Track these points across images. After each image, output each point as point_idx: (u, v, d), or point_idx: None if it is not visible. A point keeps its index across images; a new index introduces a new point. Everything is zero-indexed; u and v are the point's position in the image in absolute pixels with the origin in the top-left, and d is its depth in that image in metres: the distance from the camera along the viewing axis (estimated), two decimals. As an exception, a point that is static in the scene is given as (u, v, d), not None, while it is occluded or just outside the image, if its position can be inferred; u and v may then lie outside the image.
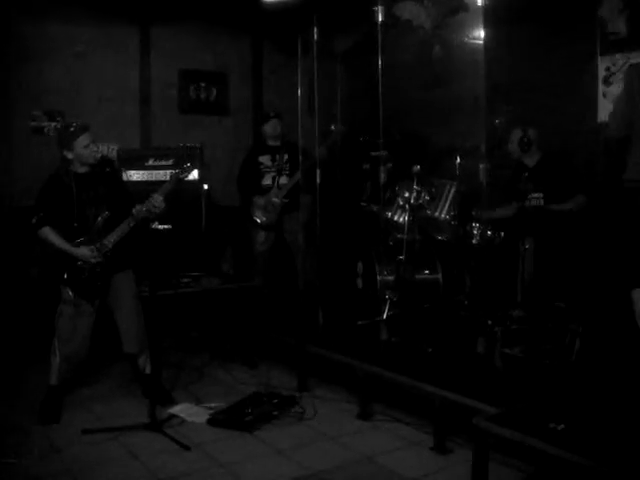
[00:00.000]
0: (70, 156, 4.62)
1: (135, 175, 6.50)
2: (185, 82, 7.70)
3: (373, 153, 7.03)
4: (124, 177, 6.30)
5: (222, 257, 7.08)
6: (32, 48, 6.80)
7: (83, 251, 4.59)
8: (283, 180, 6.63)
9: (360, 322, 5.24)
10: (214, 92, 7.85)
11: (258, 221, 6.62)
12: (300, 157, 6.07)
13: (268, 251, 6.74)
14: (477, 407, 3.79)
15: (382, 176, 5.33)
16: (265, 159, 6.71)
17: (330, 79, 7.18)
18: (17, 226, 5.83)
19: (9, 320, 5.95)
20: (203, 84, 7.78)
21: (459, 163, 5.20)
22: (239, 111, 8.04)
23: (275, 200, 6.55)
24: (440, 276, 5.44)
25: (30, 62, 6.79)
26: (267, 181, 6.67)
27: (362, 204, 6.10)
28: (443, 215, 5.23)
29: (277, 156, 6.68)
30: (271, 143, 6.75)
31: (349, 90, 7.56)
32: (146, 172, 6.57)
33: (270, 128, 6.71)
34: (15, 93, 6.73)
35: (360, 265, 5.65)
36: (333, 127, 6.40)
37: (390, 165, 5.54)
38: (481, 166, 4.71)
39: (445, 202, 5.24)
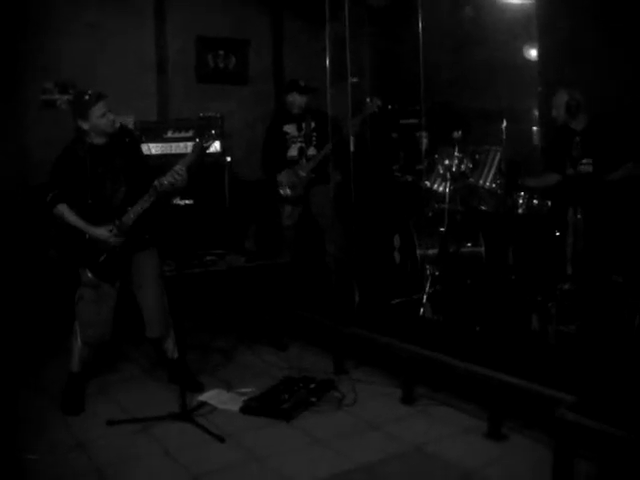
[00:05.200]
0: (85, 126, 4.27)
1: (153, 148, 6.17)
2: (203, 50, 7.31)
3: (403, 121, 6.74)
4: (143, 150, 5.99)
5: (245, 233, 6.74)
6: (43, 18, 6.43)
7: (101, 231, 4.25)
8: (311, 151, 6.25)
9: (398, 299, 4.90)
10: (233, 60, 7.46)
11: (283, 194, 6.25)
12: (329, 127, 5.67)
13: (295, 226, 6.38)
14: (539, 391, 3.45)
15: (424, 142, 4.95)
16: (291, 128, 6.33)
17: (357, 44, 6.78)
18: (34, 205, 5.50)
19: (29, 304, 5.65)
20: (222, 52, 7.39)
21: (505, 127, 4.79)
22: (259, 80, 7.64)
23: (302, 174, 6.19)
24: (483, 249, 5.09)
25: (41, 33, 6.43)
26: (293, 152, 6.30)
27: (396, 174, 5.74)
28: (488, 183, 4.86)
29: (303, 124, 6.30)
30: (296, 111, 6.36)
31: (377, 55, 7.19)
32: (165, 145, 6.27)
33: (299, 97, 6.30)
34: (26, 65, 6.38)
35: (397, 238, 5.30)
36: (368, 100, 5.99)
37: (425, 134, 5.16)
38: (535, 129, 4.32)
39: (490, 169, 4.87)
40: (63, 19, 6.51)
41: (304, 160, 6.22)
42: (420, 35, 5.04)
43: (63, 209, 4.25)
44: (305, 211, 6.37)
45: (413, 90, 6.68)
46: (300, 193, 6.24)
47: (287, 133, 6.32)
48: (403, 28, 6.66)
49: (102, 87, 4.81)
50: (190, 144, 6.04)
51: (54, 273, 5.63)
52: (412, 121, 6.64)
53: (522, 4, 6.02)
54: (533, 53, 5.82)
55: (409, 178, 5.53)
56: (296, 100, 6.29)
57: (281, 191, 6.26)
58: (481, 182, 4.88)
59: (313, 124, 6.28)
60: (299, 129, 6.31)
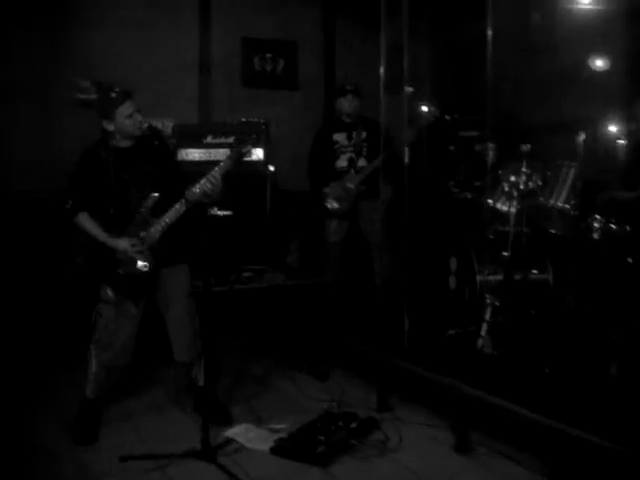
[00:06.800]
0: (111, 127, 3.86)
1: (190, 154, 5.75)
2: (249, 52, 6.92)
3: (462, 133, 6.24)
4: (180, 156, 5.59)
5: (287, 249, 6.26)
6: (79, 13, 6.12)
7: (123, 243, 3.82)
8: (361, 162, 5.76)
9: (453, 330, 4.37)
10: (281, 63, 7.04)
11: (330, 207, 5.76)
12: (382, 138, 5.18)
13: (340, 242, 5.89)
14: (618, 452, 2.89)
15: (490, 156, 4.42)
16: (340, 137, 5.84)
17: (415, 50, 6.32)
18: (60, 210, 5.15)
19: (53, 314, 5.29)
20: (269, 54, 6.98)
21: (583, 140, 4.23)
22: (309, 85, 7.22)
23: (350, 186, 5.69)
24: (550, 276, 4.52)
25: (76, 28, 6.12)
26: (342, 163, 5.81)
27: (453, 190, 5.21)
28: (560, 203, 4.29)
29: (354, 134, 5.81)
30: (346, 120, 5.88)
31: (435, 62, 6.70)
32: (203, 151, 5.86)
33: (346, 103, 5.83)
34: (59, 63, 6.04)
35: (454, 261, 4.76)
36: (425, 109, 5.48)
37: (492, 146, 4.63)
38: (620, 142, 3.77)
39: (562, 187, 4.30)
40: (103, 14, 6.20)
41: (353, 171, 5.73)
42: (489, 40, 4.49)
43: (83, 218, 3.85)
44: (352, 226, 5.88)
45: (473, 100, 6.19)
46: (348, 207, 5.75)
47: (336, 142, 5.84)
48: (465, 33, 6.15)
49: (141, 88, 4.46)
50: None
51: (80, 281, 5.26)
52: (472, 133, 6.14)
53: (596, 10, 5.51)
54: (608, 62, 5.31)
55: (468, 195, 5.01)
56: (344, 106, 5.83)
57: (327, 204, 5.78)
58: (552, 202, 4.31)
59: (365, 134, 5.79)
60: (349, 138, 5.83)
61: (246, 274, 5.45)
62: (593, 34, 5.38)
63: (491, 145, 4.51)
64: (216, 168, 3.90)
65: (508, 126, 5.16)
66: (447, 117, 6.03)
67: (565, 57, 5.51)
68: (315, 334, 5.34)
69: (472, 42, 5.75)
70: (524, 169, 4.33)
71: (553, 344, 4.21)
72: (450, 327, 4.47)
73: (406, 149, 4.65)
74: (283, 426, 4.05)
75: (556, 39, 5.70)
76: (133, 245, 3.82)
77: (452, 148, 6.34)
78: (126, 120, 3.84)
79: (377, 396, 4.39)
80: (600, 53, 5.39)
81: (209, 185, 3.79)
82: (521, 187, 4.30)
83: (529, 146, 4.33)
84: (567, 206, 4.26)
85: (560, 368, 3.93)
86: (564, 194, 4.31)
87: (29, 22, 5.90)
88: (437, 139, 6.36)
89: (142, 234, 3.86)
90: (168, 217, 3.89)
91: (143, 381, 4.86)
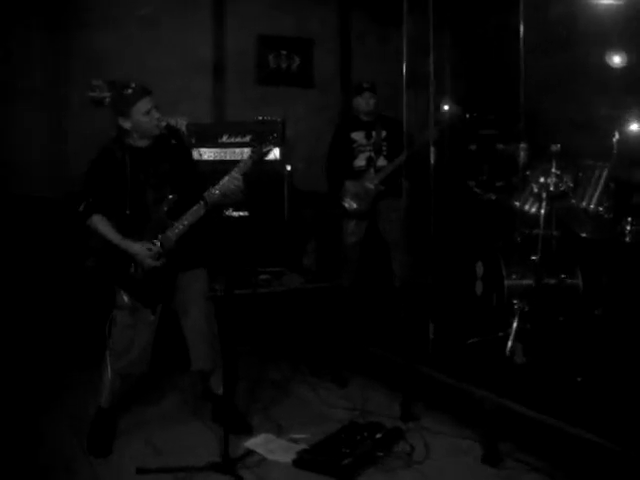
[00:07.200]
0: (127, 125, 3.69)
1: (205, 153, 5.61)
2: (264, 49, 6.79)
3: (483, 131, 6.09)
4: (194, 156, 5.44)
5: (304, 250, 6.11)
6: (92, 12, 6.03)
7: (138, 248, 3.66)
8: (381, 162, 5.61)
9: (480, 337, 4.21)
10: (296, 61, 6.90)
11: (348, 208, 5.61)
12: (405, 136, 5.03)
13: (358, 243, 5.74)
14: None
15: (522, 155, 4.25)
16: (359, 136, 5.69)
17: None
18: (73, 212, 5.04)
19: (62, 318, 5.19)
20: (284, 52, 6.84)
21: (617, 140, 4.05)
22: (324, 83, 7.07)
23: (369, 186, 5.55)
24: (580, 282, 4.36)
25: (90, 28, 6.03)
26: (360, 162, 5.66)
27: (475, 190, 5.05)
28: (592, 206, 4.11)
29: (373, 133, 5.66)
30: (364, 118, 5.73)
31: (454, 59, 6.55)
32: (218, 150, 5.74)
33: (363, 101, 5.70)
34: (73, 62, 5.92)
35: (480, 266, 4.59)
36: (446, 107, 5.33)
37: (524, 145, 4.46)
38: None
39: (595, 189, 4.13)
40: (114, 12, 6.10)
41: (372, 171, 5.58)
42: (521, 35, 4.32)
43: (97, 221, 3.68)
44: (371, 227, 5.73)
45: (494, 97, 6.04)
46: (366, 207, 5.61)
47: (355, 141, 5.69)
48: (485, 28, 6.00)
49: (154, 87, 4.32)
50: (247, 150, 5.50)
51: (90, 285, 5.13)
52: (493, 132, 5.98)
53: (624, 4, 5.34)
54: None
55: (492, 196, 4.85)
56: (361, 105, 5.70)
57: (345, 204, 5.64)
58: (584, 204, 4.13)
59: (384, 133, 5.65)
60: (368, 137, 5.68)
61: (263, 276, 5.31)
62: (622, 29, 5.21)
63: (523, 145, 4.34)
64: (236, 168, 3.75)
65: (533, 124, 4.99)
66: (467, 116, 5.87)
67: (593, 52, 5.34)
68: (334, 339, 5.19)
69: (494, 38, 5.62)
70: (554, 170, 4.16)
71: (583, 352, 4.05)
72: (475, 333, 4.30)
73: (432, 148, 4.48)
74: (304, 436, 3.90)
75: (583, 33, 5.53)
76: (149, 249, 3.67)
77: (473, 147, 6.18)
78: (143, 117, 3.68)
79: (401, 404, 4.23)
80: (630, 48, 5.22)
81: (231, 186, 3.65)
82: (551, 189, 4.13)
83: (559, 146, 4.15)
84: (600, 208, 4.09)
85: (592, 377, 3.76)
86: (597, 196, 4.14)
87: (34, 21, 5.79)
88: (458, 138, 6.22)
89: (159, 237, 3.71)
90: (186, 219, 3.74)
91: (156, 388, 4.71)
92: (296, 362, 5.22)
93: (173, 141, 3.85)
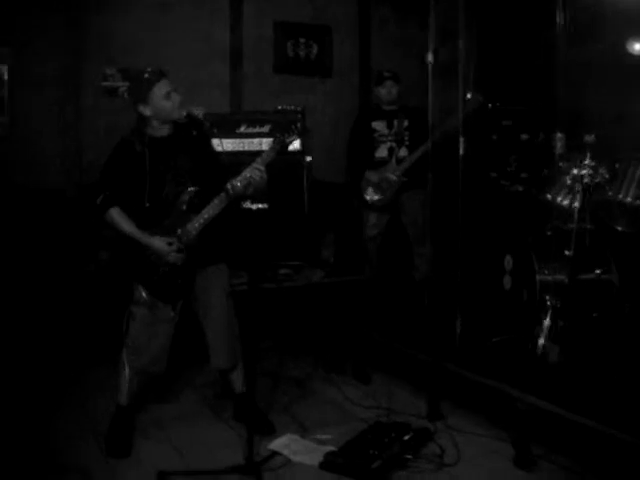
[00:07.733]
0: (147, 112, 3.55)
1: (225, 144, 5.43)
2: (282, 37, 6.59)
3: (505, 122, 5.93)
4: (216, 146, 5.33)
5: (322, 243, 5.97)
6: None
7: (158, 242, 3.53)
8: (402, 152, 5.46)
9: (509, 334, 4.07)
10: (315, 49, 6.71)
11: (369, 200, 5.46)
12: (430, 125, 4.87)
13: (380, 236, 5.59)
14: None
15: (558, 146, 4.09)
16: (380, 126, 5.54)
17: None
18: (87, 206, 4.93)
19: (74, 314, 5.05)
20: (302, 40, 6.65)
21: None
22: (343, 72, 6.88)
23: (391, 177, 5.39)
24: (615, 277, 4.20)
25: (103, 14, 5.83)
26: (382, 153, 5.51)
27: (502, 182, 4.90)
28: (629, 199, 3.95)
29: (395, 122, 5.51)
30: (386, 107, 5.58)
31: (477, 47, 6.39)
32: (236, 141, 5.55)
33: (385, 90, 5.54)
34: (86, 50, 5.77)
35: (509, 260, 4.43)
36: (469, 96, 5.17)
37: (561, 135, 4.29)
38: None
39: (631, 181, 3.97)
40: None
41: (394, 161, 5.42)
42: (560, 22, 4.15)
43: (115, 214, 3.54)
44: (393, 220, 5.58)
45: (520, 87, 5.86)
46: (388, 199, 5.45)
47: (376, 131, 5.54)
48: (512, 13, 5.83)
49: (170, 74, 4.20)
50: (265, 141, 5.37)
51: (103, 279, 5.03)
52: (515, 122, 5.82)
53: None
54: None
55: (519, 188, 4.69)
56: (382, 94, 5.55)
57: (366, 196, 5.49)
58: (621, 196, 3.97)
59: (406, 122, 5.49)
60: (389, 127, 5.53)
61: (283, 270, 5.17)
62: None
63: (560, 135, 4.17)
64: (258, 159, 3.64)
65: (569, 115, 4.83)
66: (489, 105, 5.71)
67: (630, 42, 5.16)
68: (356, 334, 5.05)
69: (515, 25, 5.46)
70: (588, 161, 3.99)
71: (619, 350, 3.90)
72: (503, 330, 4.16)
73: (461, 138, 4.33)
74: (330, 437, 3.78)
75: (620, 22, 5.34)
76: (170, 244, 3.53)
77: (495, 137, 6.02)
78: (163, 101, 3.54)
79: (428, 403, 4.09)
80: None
81: (255, 178, 3.52)
82: (586, 181, 3.97)
83: (593, 136, 3.99)
84: (638, 202, 3.93)
85: (628, 376, 3.62)
86: (632, 188, 3.97)
87: (48, 8, 5.62)
88: (480, 128, 6.05)
89: (179, 230, 3.58)
90: (207, 212, 3.61)
91: (172, 385, 4.58)
92: (317, 358, 5.08)
93: (194, 132, 3.71)
